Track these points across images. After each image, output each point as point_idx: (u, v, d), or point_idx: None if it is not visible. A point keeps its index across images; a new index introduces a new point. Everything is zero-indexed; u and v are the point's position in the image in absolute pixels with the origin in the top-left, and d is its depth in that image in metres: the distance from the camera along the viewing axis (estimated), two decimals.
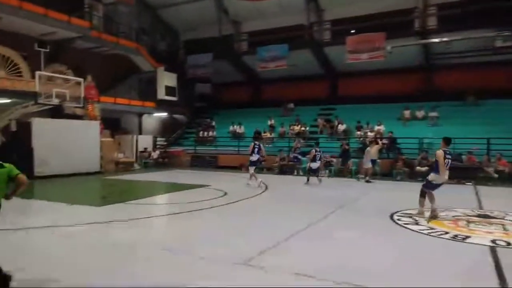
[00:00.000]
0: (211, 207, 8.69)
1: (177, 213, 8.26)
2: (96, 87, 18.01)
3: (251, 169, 12.54)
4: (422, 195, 7.96)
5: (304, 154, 16.89)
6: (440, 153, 7.58)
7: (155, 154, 20.78)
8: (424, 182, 8.05)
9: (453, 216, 7.77)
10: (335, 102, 22.86)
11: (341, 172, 16.24)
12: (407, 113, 19.36)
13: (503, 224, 7.06)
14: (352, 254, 5.37)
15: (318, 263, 4.89)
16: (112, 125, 20.39)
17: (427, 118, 18.79)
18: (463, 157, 14.48)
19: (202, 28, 25.41)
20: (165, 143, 23.27)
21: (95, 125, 16.99)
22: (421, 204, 7.95)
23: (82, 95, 16.87)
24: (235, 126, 22.05)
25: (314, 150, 13.56)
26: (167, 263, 4.85)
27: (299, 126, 20.72)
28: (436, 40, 18.76)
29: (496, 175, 13.40)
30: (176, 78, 24.40)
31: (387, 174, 15.35)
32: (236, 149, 20.13)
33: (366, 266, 4.77)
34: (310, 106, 22.96)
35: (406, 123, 19.06)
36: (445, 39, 18.30)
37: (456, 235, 6.30)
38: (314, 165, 13.47)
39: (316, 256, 5.25)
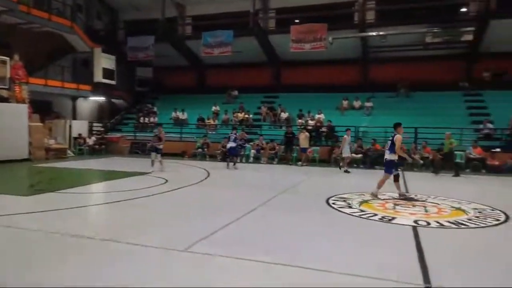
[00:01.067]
0: (150, 195, 8.47)
1: (113, 202, 7.92)
2: (24, 67, 16.56)
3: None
4: (396, 179, 8.63)
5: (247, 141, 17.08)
6: (399, 137, 8.51)
7: (90, 141, 19.70)
8: (386, 167, 8.69)
9: (382, 200, 8.31)
10: (279, 90, 23.23)
11: (285, 159, 16.63)
12: (345, 103, 20.24)
13: (424, 206, 7.70)
14: (289, 236, 5.54)
15: (257, 245, 4.97)
16: (43, 108, 18.97)
17: (363, 108, 19.79)
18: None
19: (144, 8, 24.34)
20: (102, 129, 22.15)
21: (23, 109, 15.68)
22: (398, 187, 8.67)
23: (8, 75, 15.46)
24: (177, 112, 21.58)
25: (231, 133, 14.53)
26: (97, 253, 4.65)
27: (243, 113, 20.79)
28: (373, 33, 19.70)
29: (421, 162, 14.53)
30: (115, 61, 23.21)
31: (325, 161, 16.00)
32: (179, 135, 19.74)
33: (299, 247, 4.95)
34: (254, 94, 23.12)
35: (344, 112, 19.93)
36: (381, 33, 19.28)
37: (383, 217, 6.75)
38: (231, 144, 14.16)
39: (255, 239, 5.34)
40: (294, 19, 21.64)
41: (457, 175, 13.02)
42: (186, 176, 11.87)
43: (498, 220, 6.67)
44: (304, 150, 15.75)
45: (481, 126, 16.48)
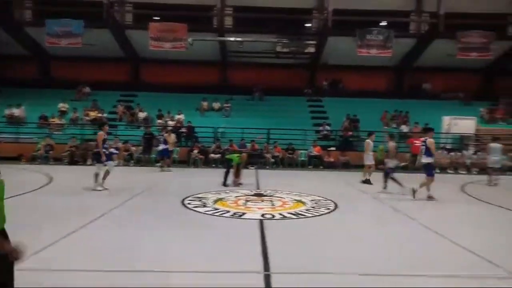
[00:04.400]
0: None
1: None
2: None
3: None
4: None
5: None
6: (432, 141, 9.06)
7: None
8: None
9: (235, 197, 8.73)
10: (137, 89, 22.21)
11: (143, 161, 15.94)
12: (205, 104, 20.61)
13: (271, 201, 8.40)
14: (140, 237, 5.32)
15: (108, 248, 4.61)
16: None
17: (222, 109, 20.50)
18: (248, 145, 16.47)
19: None
20: None
21: None
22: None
23: None
24: (12, 109, 18.53)
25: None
26: None
27: (96, 111, 19.16)
28: (231, 39, 20.60)
29: (273, 160, 15.86)
30: None
31: (184, 162, 15.99)
32: (15, 136, 17.00)
33: (149, 248, 4.80)
34: (109, 91, 21.53)
35: (203, 113, 20.29)
36: (238, 38, 20.30)
37: (235, 213, 7.10)
38: (162, 146, 14.17)
39: (107, 242, 4.95)
40: (153, 16, 21.00)
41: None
42: (24, 182, 10.26)
43: (329, 208, 7.73)
44: (166, 153, 14.94)
45: (320, 128, 18.89)
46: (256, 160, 15.72)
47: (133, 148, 16.29)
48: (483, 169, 15.51)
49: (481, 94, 22.30)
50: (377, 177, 11.37)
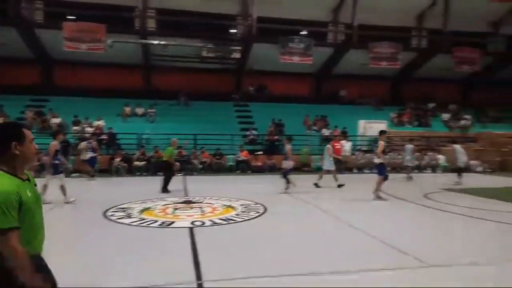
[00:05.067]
0: None
1: None
2: None
3: None
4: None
5: None
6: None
7: None
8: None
9: (163, 205, 8.42)
10: (50, 93, 20.41)
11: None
12: (127, 109, 19.66)
13: (201, 207, 8.26)
14: (59, 253, 4.83)
15: None
16: None
17: (146, 114, 19.74)
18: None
19: None
20: None
21: None
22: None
23: None
24: None
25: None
26: None
27: (1, 118, 17.15)
28: (155, 42, 19.97)
29: (200, 166, 15.65)
30: None
31: (106, 171, 15.06)
32: None
33: (68, 266, 4.38)
34: (16, 95, 19.47)
35: (126, 119, 19.33)
36: (162, 42, 19.75)
37: (163, 222, 6.84)
38: (90, 154, 14.01)
39: None
40: (67, 15, 19.52)
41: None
42: None
43: (258, 212, 7.82)
44: (94, 161, 14.33)
45: (247, 132, 19.14)
46: (184, 166, 15.37)
47: (45, 158, 14.86)
48: (394, 168, 17.06)
49: (390, 100, 24.50)
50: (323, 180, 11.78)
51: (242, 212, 7.81)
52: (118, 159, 15.09)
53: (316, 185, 11.59)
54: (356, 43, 21.24)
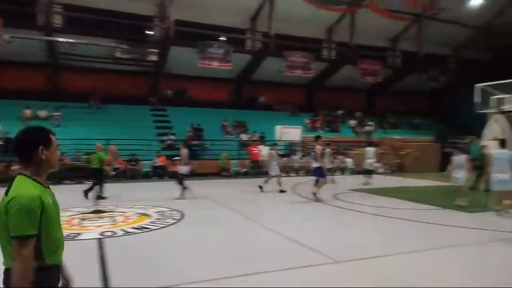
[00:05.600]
0: None
1: None
2: None
3: None
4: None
5: None
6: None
7: None
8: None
9: (68, 216, 7.76)
10: None
11: None
12: (28, 112, 17.78)
13: (112, 216, 7.79)
14: None
15: None
16: None
17: (51, 118, 18.06)
18: (84, 157, 14.98)
19: None
20: None
21: None
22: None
23: None
24: None
25: None
26: None
27: None
28: (61, 39, 18.42)
29: (113, 173, 14.78)
30: None
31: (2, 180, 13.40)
32: None
33: None
34: None
35: (26, 123, 17.44)
36: (70, 40, 18.29)
37: (68, 235, 6.29)
38: None
39: None
40: None
41: None
42: None
43: (175, 219, 7.63)
44: None
45: (165, 137, 18.61)
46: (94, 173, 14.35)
47: None
48: (309, 171, 18.00)
49: (305, 107, 25.83)
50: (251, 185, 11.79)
51: (158, 219, 7.55)
52: (16, 166, 13.53)
53: (261, 188, 11.77)
54: (273, 51, 22.03)
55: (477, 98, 18.72)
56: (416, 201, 9.95)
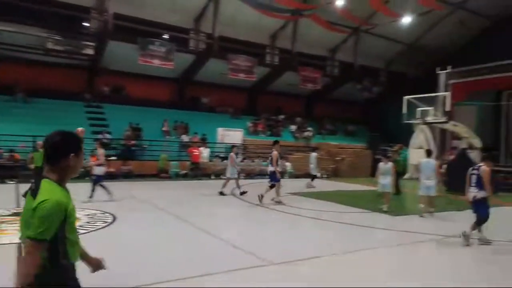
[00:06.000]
0: None
1: None
2: None
3: None
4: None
5: None
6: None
7: None
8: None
9: None
10: None
11: None
12: None
13: None
14: None
15: None
16: None
17: None
18: (5, 154, 13.73)
19: None
20: None
21: None
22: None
23: None
24: None
25: None
26: None
27: None
28: None
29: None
30: None
31: None
32: None
33: None
34: None
35: None
36: None
37: None
38: None
39: None
40: None
41: None
42: None
43: (106, 222, 7.26)
44: None
45: (100, 136, 17.66)
46: (17, 173, 13.19)
47: None
48: (249, 174, 18.18)
49: (247, 110, 26.06)
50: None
51: (87, 222, 7.14)
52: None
53: (221, 193, 11.53)
54: (217, 53, 21.95)
55: (404, 109, 20.24)
56: (348, 204, 10.46)
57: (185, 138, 20.09)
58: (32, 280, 1.87)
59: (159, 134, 19.92)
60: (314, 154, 15.62)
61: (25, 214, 1.99)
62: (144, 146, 18.42)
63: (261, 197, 10.06)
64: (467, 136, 19.80)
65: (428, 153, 9.72)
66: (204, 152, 18.04)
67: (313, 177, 15.25)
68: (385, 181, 9.43)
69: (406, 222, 8.50)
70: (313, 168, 15.33)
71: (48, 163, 2.04)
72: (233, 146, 13.03)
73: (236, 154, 12.98)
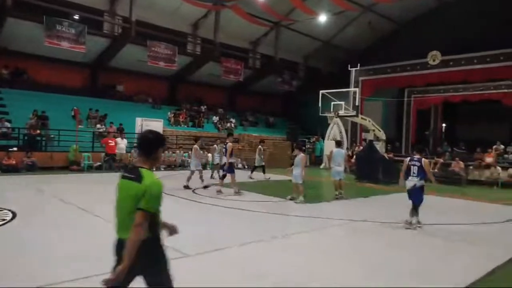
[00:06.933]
0: None
1: None
2: None
3: None
4: None
5: None
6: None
7: None
8: None
9: None
10: None
11: None
12: None
13: None
14: None
15: None
16: None
17: None
18: None
19: None
20: None
21: None
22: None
23: None
24: None
25: None
26: None
27: None
28: None
29: None
30: None
31: None
32: None
33: None
34: None
35: None
36: None
37: None
38: None
39: None
40: None
41: None
42: None
43: (4, 220, 6.51)
44: None
45: None
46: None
47: None
48: (169, 165, 17.72)
49: (168, 100, 25.29)
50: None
51: None
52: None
53: (187, 187, 11.23)
54: (134, 38, 20.84)
55: (320, 103, 21.39)
56: (268, 194, 10.77)
57: (100, 127, 18.83)
58: (139, 246, 2.36)
59: (70, 124, 18.38)
60: (259, 147, 16.10)
61: (123, 195, 2.53)
62: (52, 136, 16.84)
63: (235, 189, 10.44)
64: (374, 129, 21.68)
65: (338, 143, 11.11)
66: (120, 143, 17.09)
67: (254, 169, 15.79)
68: (296, 171, 9.54)
69: (320, 208, 9.02)
70: (258, 160, 15.72)
71: (142, 153, 2.63)
72: (197, 138, 13.26)
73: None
